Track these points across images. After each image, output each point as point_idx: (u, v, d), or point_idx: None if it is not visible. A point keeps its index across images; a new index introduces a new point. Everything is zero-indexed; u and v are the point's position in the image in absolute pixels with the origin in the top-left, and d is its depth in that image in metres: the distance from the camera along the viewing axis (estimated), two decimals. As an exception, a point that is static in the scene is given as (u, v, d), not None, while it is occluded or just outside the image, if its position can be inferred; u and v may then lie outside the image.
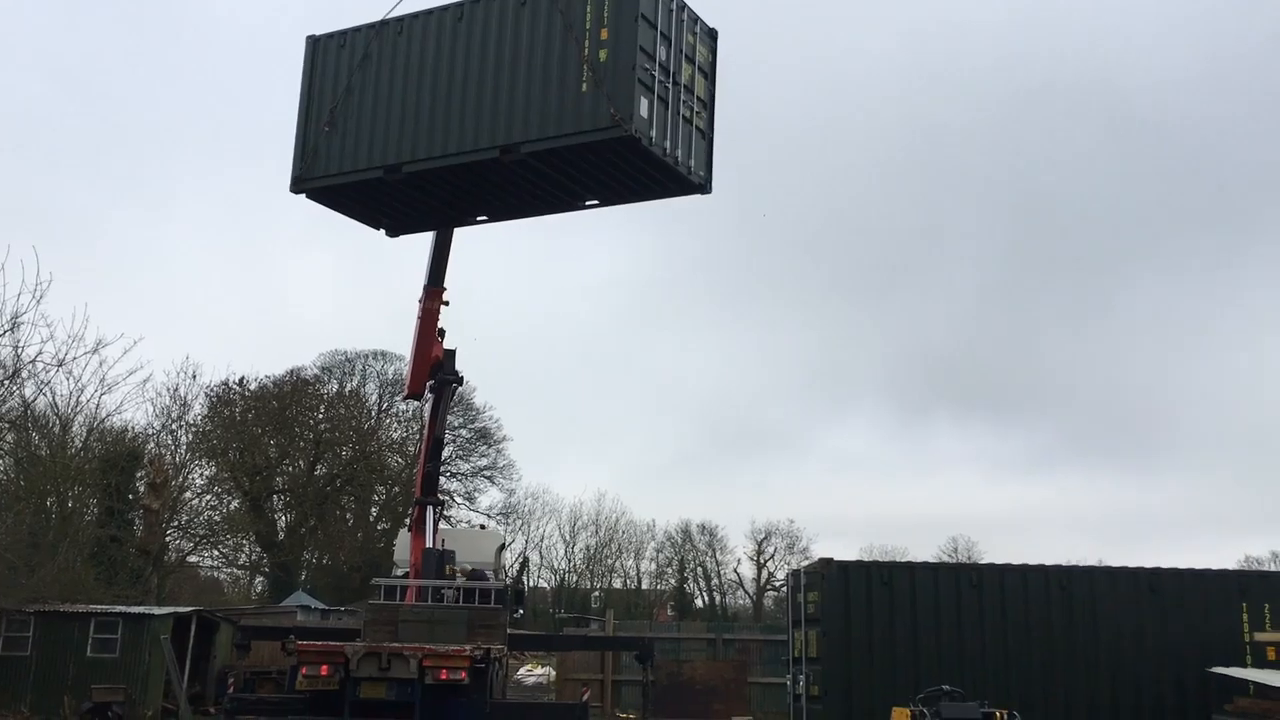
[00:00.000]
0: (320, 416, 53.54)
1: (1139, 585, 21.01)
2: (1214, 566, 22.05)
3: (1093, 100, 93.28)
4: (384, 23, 18.91)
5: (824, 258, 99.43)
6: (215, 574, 49.92)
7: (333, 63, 19.31)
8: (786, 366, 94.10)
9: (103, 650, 24.57)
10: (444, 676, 16.68)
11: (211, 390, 47.26)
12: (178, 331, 68.22)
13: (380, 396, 55.91)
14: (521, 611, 24.86)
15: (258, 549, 50.67)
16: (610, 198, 18.96)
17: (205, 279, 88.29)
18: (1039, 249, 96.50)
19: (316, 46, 19.61)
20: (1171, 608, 20.81)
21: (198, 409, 43.66)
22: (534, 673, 37.04)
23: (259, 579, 53.10)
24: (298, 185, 19.41)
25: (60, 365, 25.94)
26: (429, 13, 18.52)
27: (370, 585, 24.65)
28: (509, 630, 21.63)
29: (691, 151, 17.76)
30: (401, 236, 21.43)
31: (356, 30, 19.15)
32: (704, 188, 18.27)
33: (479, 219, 20.96)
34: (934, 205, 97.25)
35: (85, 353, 26.70)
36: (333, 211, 20.40)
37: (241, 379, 50.22)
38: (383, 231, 21.17)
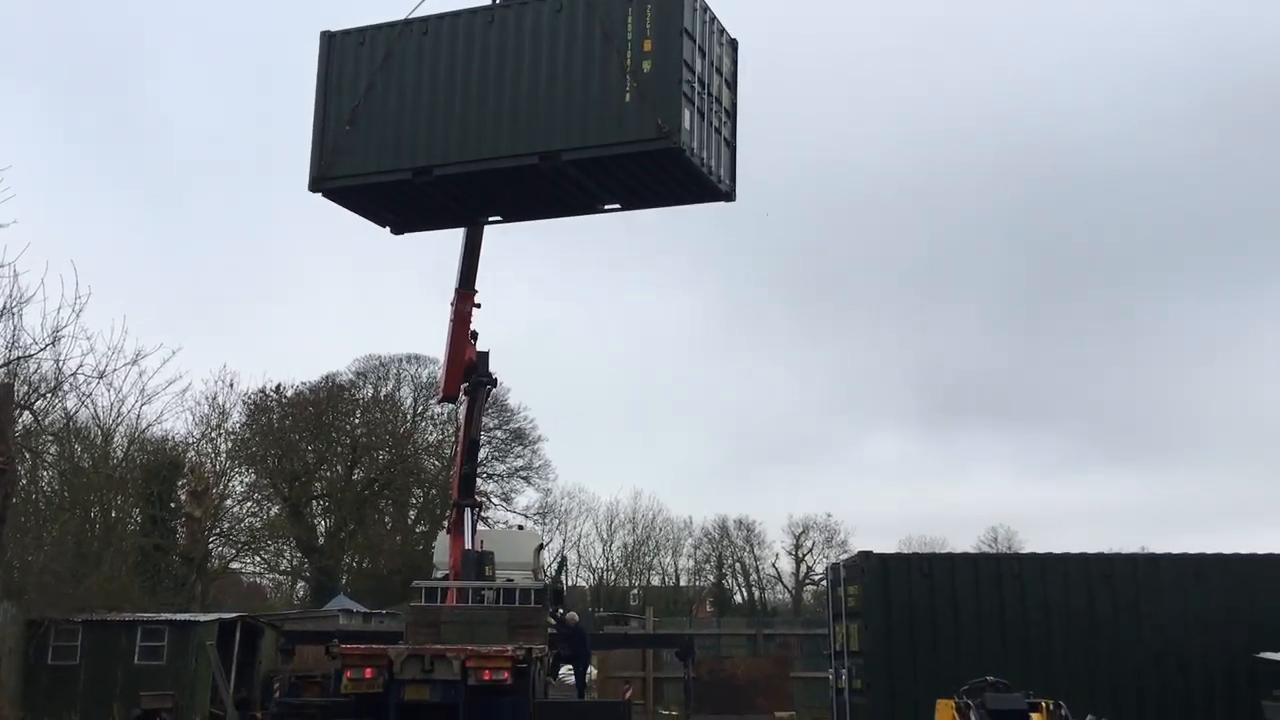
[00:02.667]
0: (356, 421, 53.84)
1: (1184, 571, 20.78)
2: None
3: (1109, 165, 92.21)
4: (406, 22, 18.49)
5: (845, 281, 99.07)
6: (257, 580, 50.34)
7: (350, 60, 18.79)
8: (815, 384, 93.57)
9: (150, 658, 24.79)
10: (487, 677, 16.79)
11: (249, 398, 47.65)
12: (214, 340, 68.66)
13: (415, 400, 56.17)
14: (562, 611, 24.97)
15: (298, 554, 51.07)
16: (634, 202, 18.93)
17: (234, 285, 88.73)
18: (1061, 266, 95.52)
19: (332, 42, 19.02)
20: (1218, 594, 20.56)
21: (236, 417, 44.05)
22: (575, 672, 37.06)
23: (300, 584, 53.49)
24: (316, 184, 18.92)
25: (101, 377, 26.46)
26: (456, 15, 18.20)
27: (411, 588, 24.81)
28: (549, 630, 21.74)
29: (720, 161, 17.84)
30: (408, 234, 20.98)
31: (376, 28, 18.69)
32: (730, 195, 18.36)
33: (492, 219, 20.78)
34: (952, 225, 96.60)
35: (125, 364, 27.23)
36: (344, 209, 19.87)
37: (278, 386, 50.64)
38: (387, 229, 20.80)
